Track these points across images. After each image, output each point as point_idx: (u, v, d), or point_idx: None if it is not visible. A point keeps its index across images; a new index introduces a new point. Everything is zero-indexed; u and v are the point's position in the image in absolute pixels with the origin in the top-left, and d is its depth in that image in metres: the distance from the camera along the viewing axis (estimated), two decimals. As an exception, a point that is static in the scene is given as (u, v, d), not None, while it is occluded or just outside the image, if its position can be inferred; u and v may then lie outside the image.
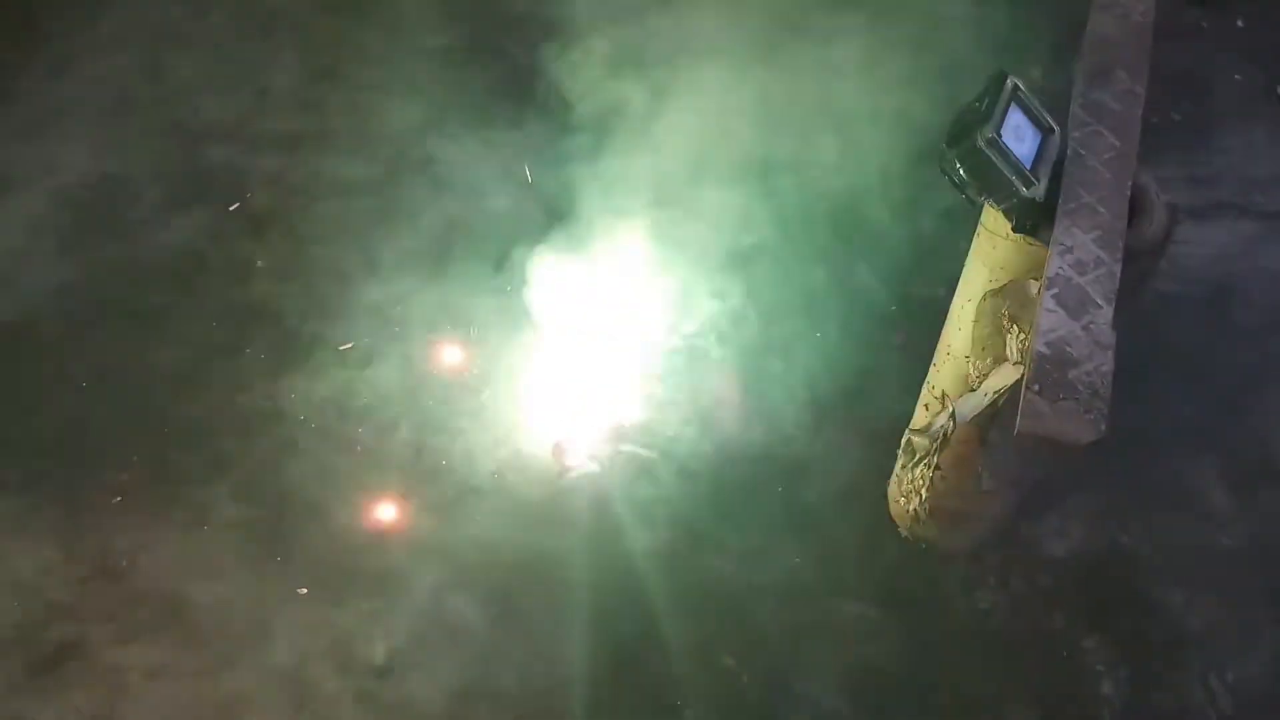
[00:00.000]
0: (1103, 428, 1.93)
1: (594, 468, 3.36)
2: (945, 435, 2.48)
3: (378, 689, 2.96)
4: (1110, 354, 2.00)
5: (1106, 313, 2.06)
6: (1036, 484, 3.07)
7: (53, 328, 3.69)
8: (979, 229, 2.44)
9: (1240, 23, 4.92)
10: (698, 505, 3.31)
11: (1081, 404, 1.94)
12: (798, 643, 3.06)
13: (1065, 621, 3.14)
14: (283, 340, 3.68)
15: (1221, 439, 3.52)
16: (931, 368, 2.79)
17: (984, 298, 2.39)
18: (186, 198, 4.10)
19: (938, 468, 2.62)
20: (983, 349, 2.37)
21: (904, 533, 3.12)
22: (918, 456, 2.66)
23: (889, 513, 3.19)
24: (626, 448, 3.40)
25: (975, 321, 2.42)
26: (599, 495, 3.32)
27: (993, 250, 2.37)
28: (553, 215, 3.88)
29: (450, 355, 3.63)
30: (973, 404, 2.31)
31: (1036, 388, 1.95)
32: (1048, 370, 1.97)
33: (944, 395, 2.58)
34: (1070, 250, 2.16)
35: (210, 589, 3.14)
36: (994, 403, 2.23)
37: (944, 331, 2.71)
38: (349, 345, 3.66)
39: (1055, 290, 2.09)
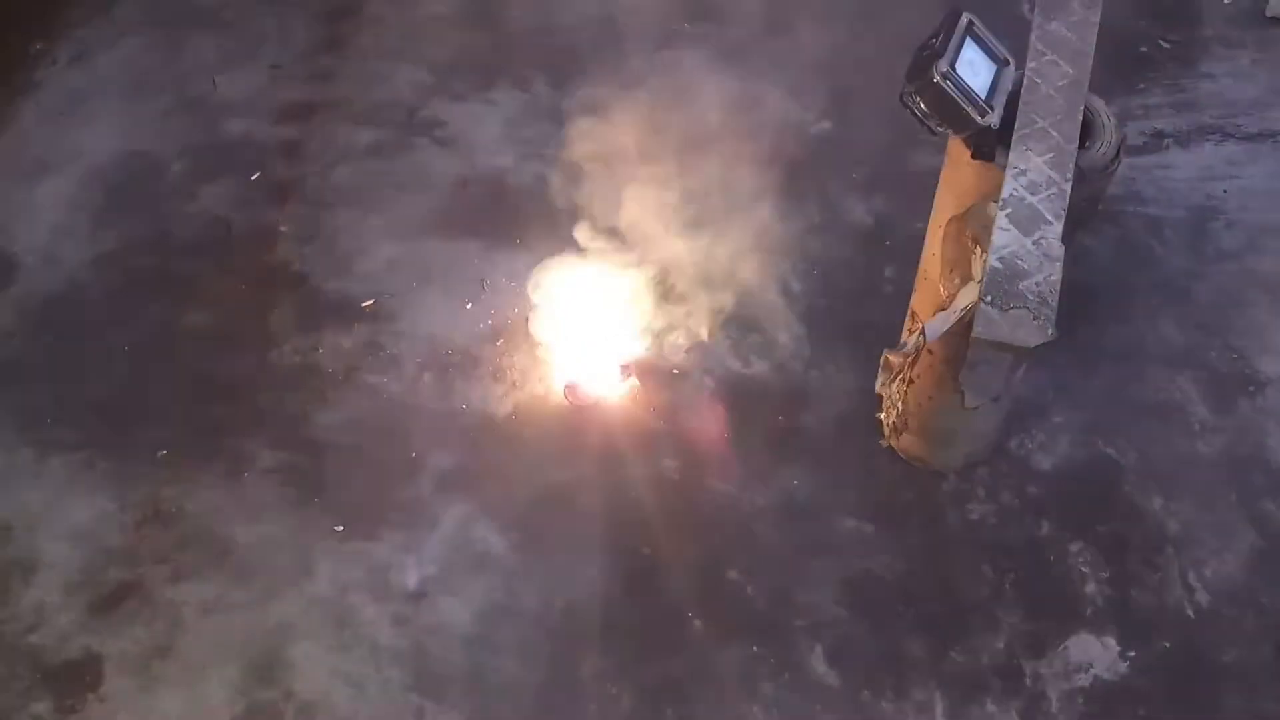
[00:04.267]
0: (1050, 331, 2.11)
1: (603, 405, 3.58)
2: (917, 351, 2.67)
3: (412, 612, 3.22)
4: (1058, 265, 2.18)
5: (1056, 228, 2.24)
6: (1018, 401, 3.27)
7: (94, 297, 3.94)
8: (945, 159, 2.61)
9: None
10: (702, 435, 3.53)
11: (1031, 311, 2.12)
12: (798, 557, 3.29)
13: (1051, 529, 3.34)
14: (309, 299, 3.92)
15: (1202, 355, 3.68)
16: (913, 293, 2.97)
17: (950, 222, 2.57)
18: (210, 170, 4.32)
19: (911, 382, 2.81)
20: (951, 270, 2.55)
21: (890, 447, 3.32)
22: (894, 373, 2.85)
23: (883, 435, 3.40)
24: (632, 385, 3.61)
25: (943, 245, 2.59)
26: (609, 429, 3.54)
27: (956, 177, 2.55)
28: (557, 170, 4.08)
29: (467, 308, 3.85)
30: (943, 322, 2.49)
31: (989, 298, 2.13)
32: (1000, 282, 2.15)
33: (914, 315, 2.76)
34: (1024, 173, 2.33)
35: (254, 530, 3.40)
36: (961, 319, 2.41)
37: (921, 258, 2.89)
38: (371, 302, 3.89)
39: (1009, 210, 2.27)
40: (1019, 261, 2.18)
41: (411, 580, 3.28)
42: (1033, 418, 3.50)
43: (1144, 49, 4.65)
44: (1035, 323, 2.12)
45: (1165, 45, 4.66)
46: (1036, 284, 2.16)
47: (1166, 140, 4.31)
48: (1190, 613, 3.16)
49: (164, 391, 3.69)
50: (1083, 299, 3.58)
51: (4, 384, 3.74)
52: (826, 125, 4.31)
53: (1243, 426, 3.52)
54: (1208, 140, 4.30)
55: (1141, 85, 4.49)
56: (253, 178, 4.31)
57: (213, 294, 3.93)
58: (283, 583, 3.29)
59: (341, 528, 3.38)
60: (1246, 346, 3.69)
